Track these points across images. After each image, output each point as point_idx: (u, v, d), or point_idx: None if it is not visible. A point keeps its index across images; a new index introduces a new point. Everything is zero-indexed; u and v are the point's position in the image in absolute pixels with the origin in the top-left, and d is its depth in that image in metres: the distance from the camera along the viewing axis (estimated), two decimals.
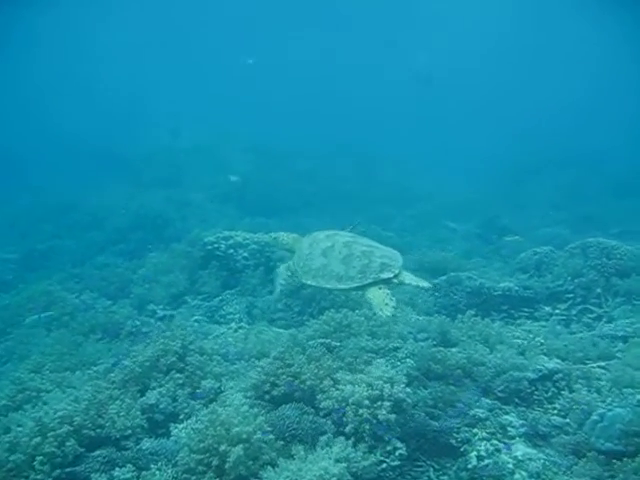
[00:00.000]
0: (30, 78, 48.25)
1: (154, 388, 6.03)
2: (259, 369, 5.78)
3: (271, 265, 10.46)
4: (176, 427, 5.63)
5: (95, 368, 6.94)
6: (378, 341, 7.01)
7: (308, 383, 5.51)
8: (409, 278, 5.81)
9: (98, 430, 5.38)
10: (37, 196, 21.39)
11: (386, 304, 5.50)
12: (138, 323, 8.52)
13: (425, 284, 5.86)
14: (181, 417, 5.83)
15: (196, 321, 9.53)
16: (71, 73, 49.96)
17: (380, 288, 5.66)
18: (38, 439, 5.10)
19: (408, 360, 6.63)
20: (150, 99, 41.29)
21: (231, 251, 10.65)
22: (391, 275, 5.69)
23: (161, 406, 5.81)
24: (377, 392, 5.27)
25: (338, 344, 6.90)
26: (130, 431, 5.46)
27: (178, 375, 6.17)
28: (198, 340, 6.96)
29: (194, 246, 11.45)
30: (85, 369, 7.19)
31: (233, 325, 8.67)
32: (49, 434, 5.14)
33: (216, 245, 10.71)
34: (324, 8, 51.25)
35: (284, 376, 5.59)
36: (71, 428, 5.24)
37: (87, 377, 6.58)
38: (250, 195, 21.22)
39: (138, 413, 5.64)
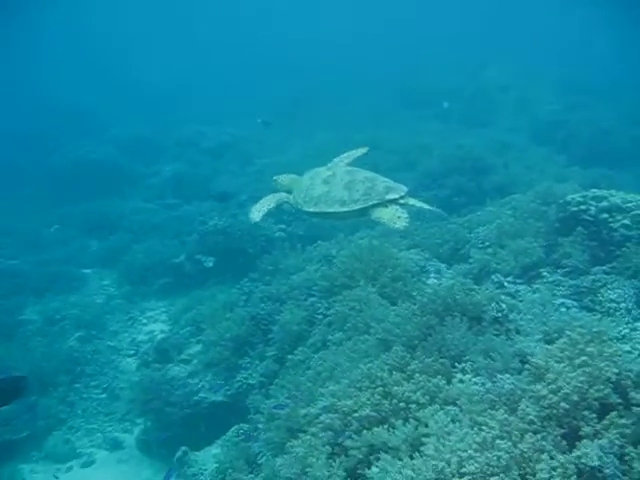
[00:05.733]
0: None
1: (588, 436, 4.07)
2: None
3: None
4: None
5: (475, 379, 5.17)
6: None
7: None
8: (413, 201, 5.69)
9: None
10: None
11: (398, 217, 5.39)
12: (504, 307, 6.64)
13: (430, 207, 5.93)
14: None
15: (563, 306, 7.46)
16: None
17: (387, 206, 5.52)
18: None
19: None
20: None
21: (605, 216, 8.22)
22: (397, 196, 5.55)
23: (606, 471, 3.85)
24: None
25: None
26: None
27: (622, 421, 4.13)
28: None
29: (548, 204, 9.28)
30: (448, 367, 5.54)
31: None
32: None
33: (584, 207, 8.38)
34: None
35: None
36: None
37: (476, 402, 4.79)
38: (571, 138, 18.30)
39: None
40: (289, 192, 6.36)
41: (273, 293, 9.88)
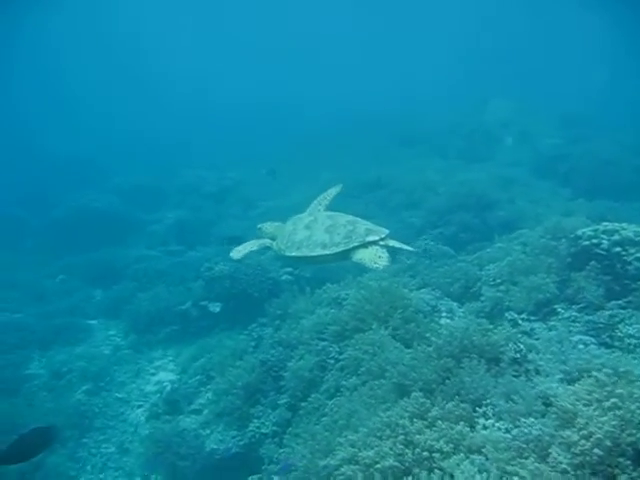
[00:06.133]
0: None
1: None
2: None
3: None
4: None
5: (498, 424, 5.01)
6: None
7: None
8: (393, 242, 5.78)
9: None
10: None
11: (379, 257, 5.49)
12: (522, 347, 6.49)
13: (410, 248, 6.08)
14: None
15: (581, 343, 7.30)
16: None
17: (367, 247, 5.63)
18: None
19: None
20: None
21: (617, 249, 8.12)
22: (377, 238, 5.67)
23: None
24: None
25: None
26: None
27: None
28: None
29: (558, 238, 9.19)
30: (470, 412, 5.38)
31: None
32: None
33: (595, 241, 8.29)
34: None
35: None
36: None
37: (502, 450, 4.62)
38: (574, 171, 18.29)
39: None
40: (273, 239, 6.50)
41: (283, 338, 9.72)
